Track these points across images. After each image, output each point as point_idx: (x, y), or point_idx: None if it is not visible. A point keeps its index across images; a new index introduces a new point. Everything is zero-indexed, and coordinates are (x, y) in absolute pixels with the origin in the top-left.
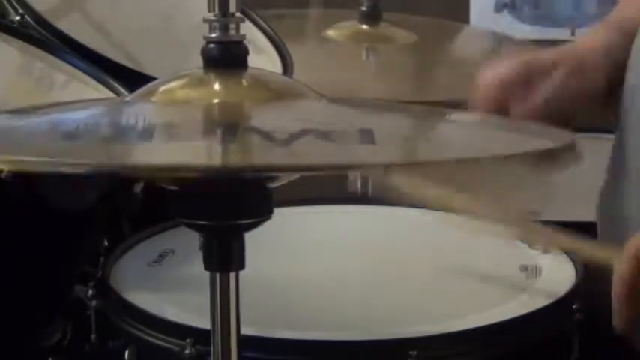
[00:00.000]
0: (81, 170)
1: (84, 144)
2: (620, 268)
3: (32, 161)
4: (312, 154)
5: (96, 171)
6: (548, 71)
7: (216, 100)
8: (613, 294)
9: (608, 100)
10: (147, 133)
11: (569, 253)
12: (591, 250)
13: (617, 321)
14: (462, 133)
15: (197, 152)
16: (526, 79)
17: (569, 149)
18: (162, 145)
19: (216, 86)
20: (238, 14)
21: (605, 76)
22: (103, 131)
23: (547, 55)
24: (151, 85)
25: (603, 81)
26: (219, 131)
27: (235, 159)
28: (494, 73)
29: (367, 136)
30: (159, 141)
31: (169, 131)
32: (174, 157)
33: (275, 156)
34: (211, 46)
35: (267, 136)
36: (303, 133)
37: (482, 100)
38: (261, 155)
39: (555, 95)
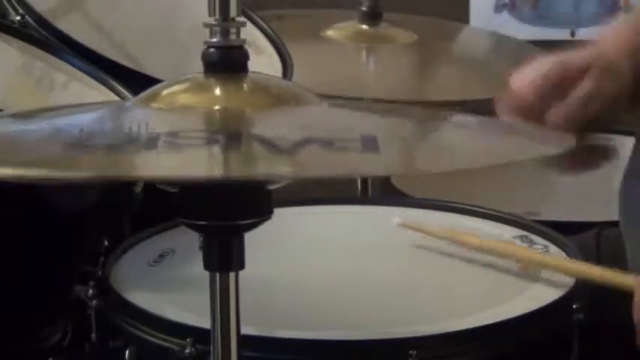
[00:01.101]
0: (82, 181)
1: (85, 156)
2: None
3: (34, 173)
4: (316, 164)
5: (97, 181)
6: (581, 73)
7: (217, 107)
8: (634, 314)
9: (635, 105)
10: (148, 142)
11: (570, 254)
12: (610, 276)
13: None
14: (465, 138)
15: (199, 162)
16: (560, 82)
17: (605, 149)
18: (164, 154)
19: (217, 91)
20: (239, 19)
21: (632, 77)
22: (104, 140)
23: (578, 57)
24: (151, 90)
25: (631, 81)
26: (221, 139)
27: (238, 170)
28: (529, 77)
29: (370, 143)
30: (161, 150)
31: (171, 140)
32: (176, 167)
33: (278, 167)
34: (212, 50)
35: (269, 145)
36: (306, 141)
37: (516, 104)
38: (264, 166)
39: (589, 97)
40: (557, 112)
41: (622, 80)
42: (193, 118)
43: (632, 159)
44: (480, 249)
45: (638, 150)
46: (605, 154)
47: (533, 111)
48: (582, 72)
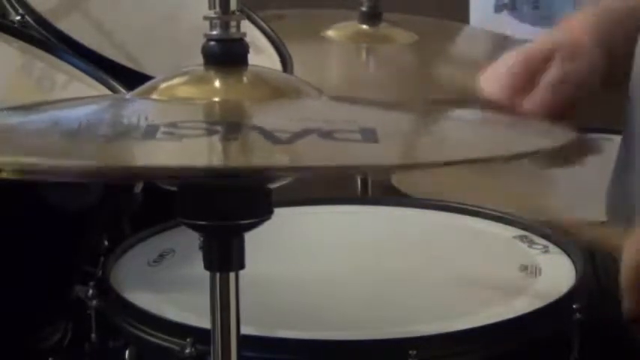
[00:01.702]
0: (82, 172)
1: (84, 144)
2: (628, 255)
3: (33, 164)
4: (314, 154)
5: (97, 173)
6: (547, 60)
7: (216, 99)
8: (622, 278)
9: (609, 85)
10: (148, 133)
11: (570, 254)
12: (600, 233)
13: (627, 305)
14: (465, 131)
15: (198, 152)
16: (527, 73)
17: (578, 147)
18: (163, 145)
19: (217, 84)
20: (239, 12)
21: (601, 61)
22: (104, 131)
23: (541, 45)
24: (151, 82)
25: (600, 66)
26: (220, 130)
27: (237, 160)
28: (495, 76)
29: (370, 134)
30: (160, 141)
31: (170, 130)
32: (175, 158)
33: (277, 157)
34: (212, 43)
35: (268, 136)
36: (305, 132)
37: (491, 102)
38: (263, 156)
39: (558, 81)
40: (530, 101)
41: (590, 62)
42: (193, 110)
43: (619, 154)
44: None
45: (623, 146)
46: (586, 149)
47: (510, 104)
48: (547, 59)
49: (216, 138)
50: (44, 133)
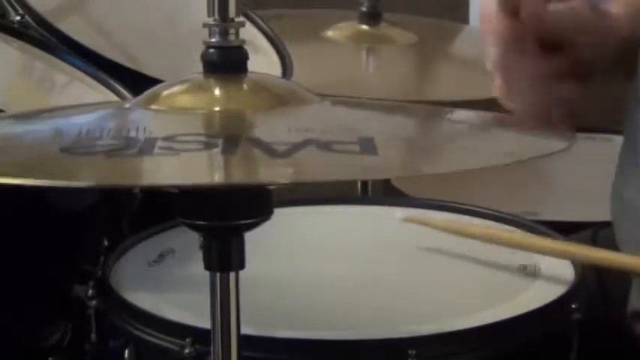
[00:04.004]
0: (82, 186)
1: (83, 160)
2: None
3: (31, 183)
4: (313, 168)
5: (97, 187)
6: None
7: (217, 108)
8: None
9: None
10: (147, 147)
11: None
12: (613, 259)
13: None
14: (468, 137)
15: (198, 168)
16: None
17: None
18: (163, 159)
19: (217, 92)
20: (238, 19)
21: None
22: (102, 145)
23: None
24: (151, 91)
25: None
26: (220, 143)
27: (236, 175)
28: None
29: (368, 145)
30: (159, 155)
31: (169, 144)
32: (174, 173)
33: (276, 171)
34: (211, 51)
35: (268, 149)
36: (304, 144)
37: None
38: (263, 170)
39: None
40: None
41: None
42: (193, 121)
43: (620, 155)
44: (482, 238)
45: (626, 146)
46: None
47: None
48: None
49: (215, 152)
50: (43, 146)
